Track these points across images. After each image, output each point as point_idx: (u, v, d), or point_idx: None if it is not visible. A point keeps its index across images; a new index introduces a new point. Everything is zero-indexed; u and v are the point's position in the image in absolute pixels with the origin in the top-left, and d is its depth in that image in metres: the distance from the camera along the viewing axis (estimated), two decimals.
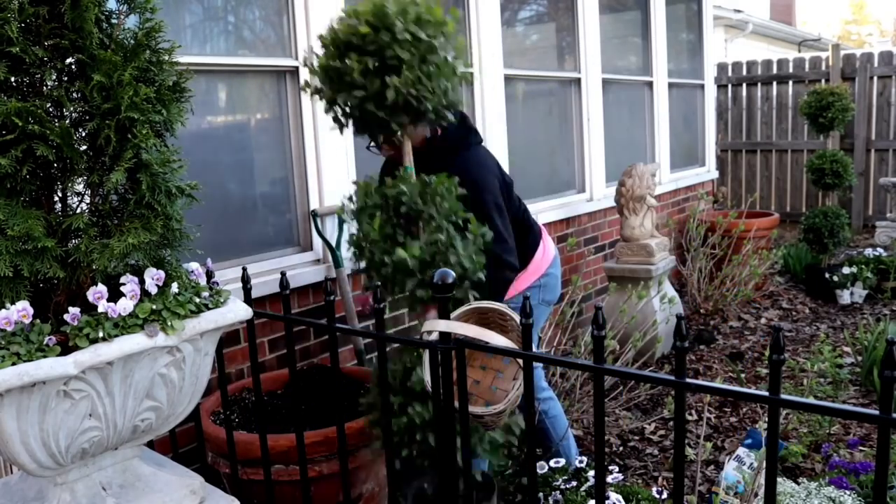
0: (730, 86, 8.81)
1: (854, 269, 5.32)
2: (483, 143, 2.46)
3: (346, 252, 2.97)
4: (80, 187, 1.47)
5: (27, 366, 1.27)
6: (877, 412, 1.15)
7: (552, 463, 2.44)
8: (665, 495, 2.30)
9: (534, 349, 1.68)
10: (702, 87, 6.46)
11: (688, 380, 1.34)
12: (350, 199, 2.07)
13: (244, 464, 2.13)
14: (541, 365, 2.71)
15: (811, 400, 1.29)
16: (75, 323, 1.35)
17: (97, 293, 1.38)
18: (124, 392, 1.42)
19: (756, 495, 2.30)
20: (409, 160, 2.03)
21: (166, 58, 1.52)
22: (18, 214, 1.34)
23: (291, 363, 2.00)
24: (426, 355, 1.81)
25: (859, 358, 3.85)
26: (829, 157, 5.74)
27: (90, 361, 1.33)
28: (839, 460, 2.62)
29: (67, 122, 1.42)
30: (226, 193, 2.79)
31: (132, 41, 1.48)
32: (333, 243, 2.98)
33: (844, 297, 5.32)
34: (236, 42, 2.87)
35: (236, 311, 1.59)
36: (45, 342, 1.32)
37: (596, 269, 4.88)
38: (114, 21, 1.48)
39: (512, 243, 2.28)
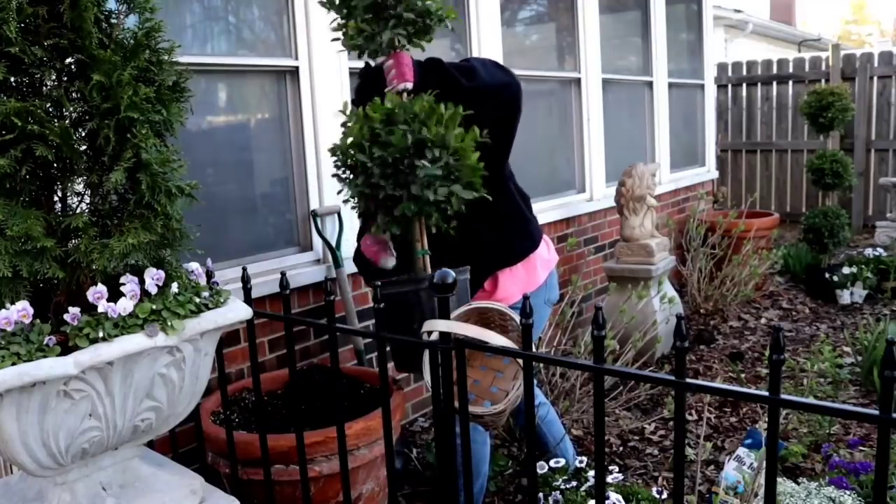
0: (730, 86, 8.81)
1: (854, 269, 5.31)
2: None
3: (345, 252, 2.98)
4: (79, 187, 1.47)
5: (27, 366, 1.27)
6: (877, 412, 1.15)
7: (552, 463, 2.44)
8: (665, 495, 2.30)
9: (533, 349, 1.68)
10: (702, 87, 6.46)
11: (688, 380, 1.34)
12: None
13: (244, 464, 2.13)
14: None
15: (811, 400, 1.29)
16: (75, 323, 1.35)
17: (97, 293, 1.38)
18: (124, 392, 1.42)
19: (756, 495, 2.30)
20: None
21: (166, 58, 1.52)
22: (18, 214, 1.34)
23: (291, 363, 2.00)
24: (426, 355, 1.81)
25: (859, 358, 3.85)
26: (829, 157, 5.74)
27: (90, 361, 1.33)
28: (839, 460, 2.62)
29: (67, 121, 1.41)
30: (226, 193, 2.79)
31: (132, 41, 1.48)
32: (333, 243, 2.98)
33: (844, 297, 5.32)
34: (236, 42, 2.87)
35: (236, 311, 1.59)
36: (45, 342, 1.32)
37: (596, 269, 4.88)
38: (113, 21, 1.48)
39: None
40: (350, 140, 1.86)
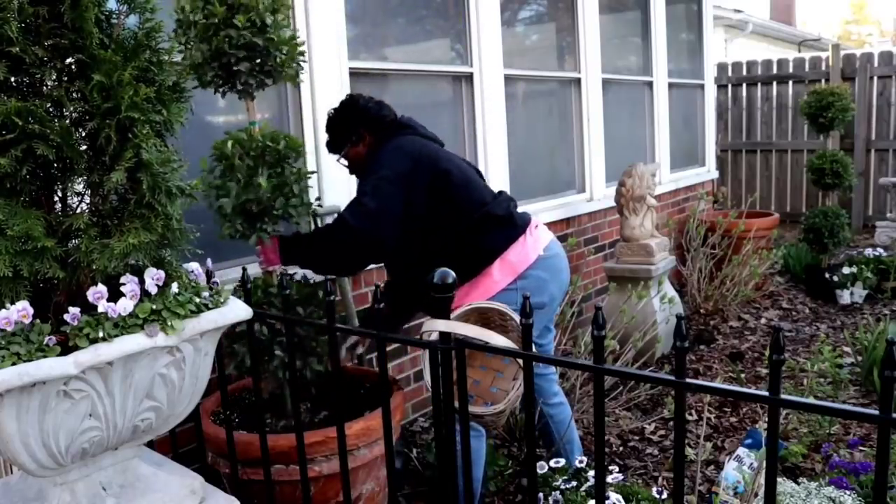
0: (730, 86, 8.81)
1: (854, 269, 5.32)
2: (414, 134, 2.49)
3: None
4: (80, 187, 1.47)
5: (27, 366, 1.27)
6: (877, 412, 1.15)
7: (552, 463, 2.44)
8: (665, 495, 2.30)
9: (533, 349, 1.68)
10: (702, 87, 6.46)
11: (688, 380, 1.34)
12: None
13: (244, 464, 2.13)
14: (554, 371, 2.70)
15: (811, 400, 1.29)
16: (75, 323, 1.35)
17: (97, 293, 1.38)
18: (124, 392, 1.42)
19: (756, 495, 2.30)
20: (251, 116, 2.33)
21: (166, 58, 1.53)
22: (18, 214, 1.34)
23: (292, 363, 2.00)
24: (426, 355, 1.81)
25: (859, 358, 3.85)
26: (829, 157, 5.74)
27: (90, 361, 1.33)
28: (839, 460, 2.62)
29: (67, 121, 1.42)
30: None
31: (132, 41, 1.48)
32: None
33: (844, 297, 5.32)
34: None
35: (236, 311, 1.59)
36: (45, 342, 1.32)
37: (596, 269, 4.88)
38: (114, 21, 1.48)
39: (373, 207, 2.28)
40: None
